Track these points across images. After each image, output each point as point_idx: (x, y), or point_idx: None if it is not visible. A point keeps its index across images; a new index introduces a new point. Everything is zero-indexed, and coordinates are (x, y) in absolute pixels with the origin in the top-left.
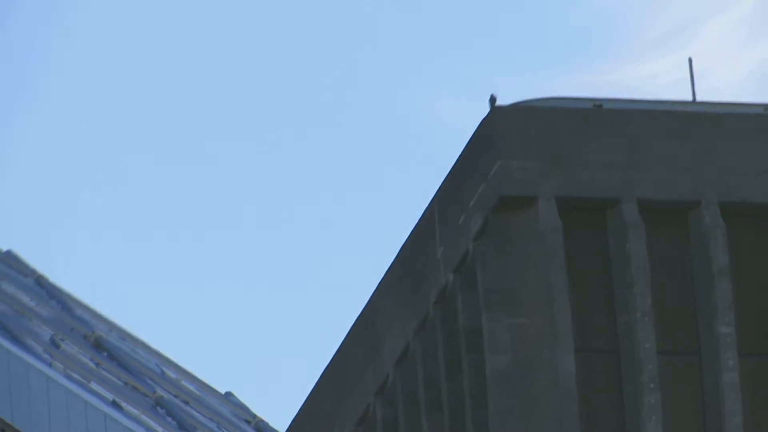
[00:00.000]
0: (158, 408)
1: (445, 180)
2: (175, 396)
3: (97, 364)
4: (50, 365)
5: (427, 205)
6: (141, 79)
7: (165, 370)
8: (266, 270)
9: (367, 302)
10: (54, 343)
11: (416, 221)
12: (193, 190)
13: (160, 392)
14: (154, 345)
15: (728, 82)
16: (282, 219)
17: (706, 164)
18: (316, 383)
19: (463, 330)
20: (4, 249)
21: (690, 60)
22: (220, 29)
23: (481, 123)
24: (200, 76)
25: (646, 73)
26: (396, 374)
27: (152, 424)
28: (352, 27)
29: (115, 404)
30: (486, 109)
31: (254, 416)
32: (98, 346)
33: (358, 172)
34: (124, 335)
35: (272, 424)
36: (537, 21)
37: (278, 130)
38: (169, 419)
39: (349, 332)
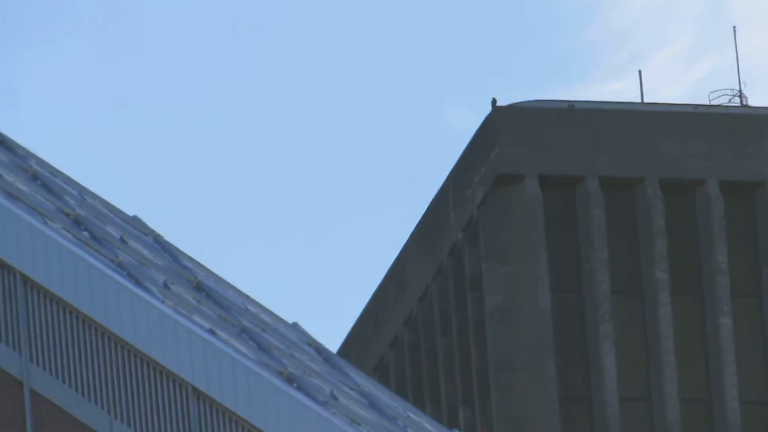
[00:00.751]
0: (243, 334)
1: (457, 162)
2: (255, 325)
3: (198, 302)
4: (163, 302)
5: (443, 181)
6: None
7: (247, 306)
8: (324, 228)
9: (399, 253)
10: (166, 286)
11: (435, 194)
12: (266, 146)
13: (244, 322)
14: (239, 286)
15: (672, 94)
16: (334, 194)
17: (649, 150)
18: (360, 315)
19: (468, 275)
20: (132, 214)
21: (640, 72)
22: (260, 33)
23: (485, 119)
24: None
25: (611, 90)
26: (418, 309)
27: (239, 346)
28: (387, 49)
29: (211, 332)
30: (488, 109)
31: (314, 340)
32: (198, 288)
33: (396, 156)
34: (218, 279)
35: (326, 345)
36: (532, 47)
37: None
38: (251, 342)
39: (384, 277)
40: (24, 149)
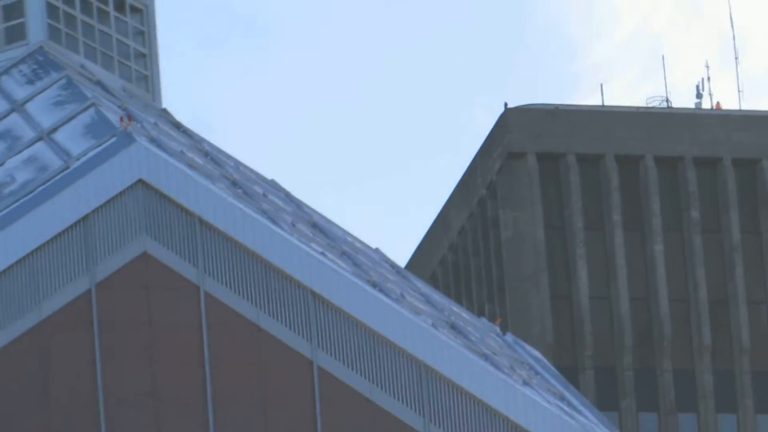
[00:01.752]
0: (343, 255)
1: (482, 144)
2: (351, 249)
3: (313, 234)
4: (291, 234)
5: (473, 156)
6: None
7: (345, 236)
8: (394, 187)
9: (444, 203)
10: (293, 225)
11: (468, 164)
12: (353, 119)
13: (344, 248)
14: (339, 223)
15: (624, 101)
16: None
17: (608, 136)
18: (419, 244)
19: (489, 218)
20: (270, 178)
21: (601, 85)
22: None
23: (500, 116)
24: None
25: (584, 97)
26: (457, 239)
27: (340, 263)
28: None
29: (323, 254)
30: (502, 109)
31: (389, 259)
32: (314, 225)
33: (447, 139)
34: (326, 220)
35: (398, 262)
36: (532, 70)
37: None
38: (349, 261)
39: (435, 218)
40: (197, 135)
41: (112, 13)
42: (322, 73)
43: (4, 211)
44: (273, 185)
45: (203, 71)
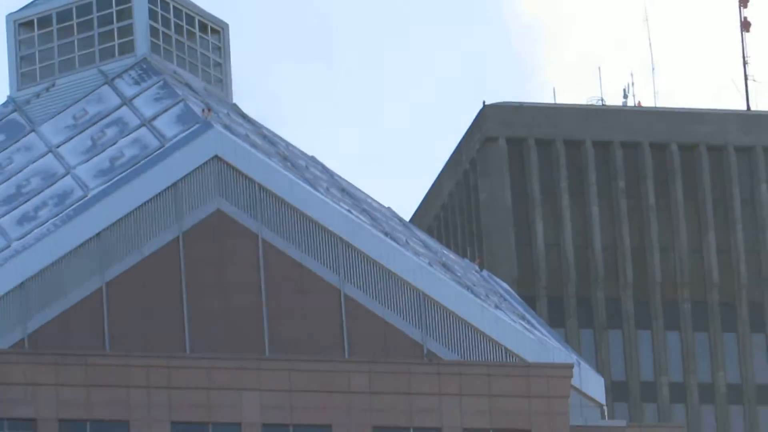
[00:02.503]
0: (365, 212)
1: (467, 130)
2: (371, 208)
3: (342, 196)
4: (325, 196)
5: (460, 139)
6: None
7: (366, 198)
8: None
9: (438, 174)
10: (327, 189)
11: (456, 144)
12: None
13: (364, 207)
14: (361, 188)
15: (576, 100)
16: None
17: (561, 125)
18: (419, 204)
19: (471, 185)
20: (310, 154)
21: (554, 88)
22: None
23: (479, 110)
24: None
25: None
26: (447, 200)
27: (362, 218)
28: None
29: (349, 211)
30: (480, 105)
31: (398, 216)
32: (342, 190)
33: (444, 126)
34: (351, 185)
35: (404, 217)
36: (509, 73)
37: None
38: (369, 217)
39: (431, 186)
40: (258, 122)
41: (198, 33)
42: (351, 76)
43: (116, 178)
44: (313, 160)
45: (263, 75)
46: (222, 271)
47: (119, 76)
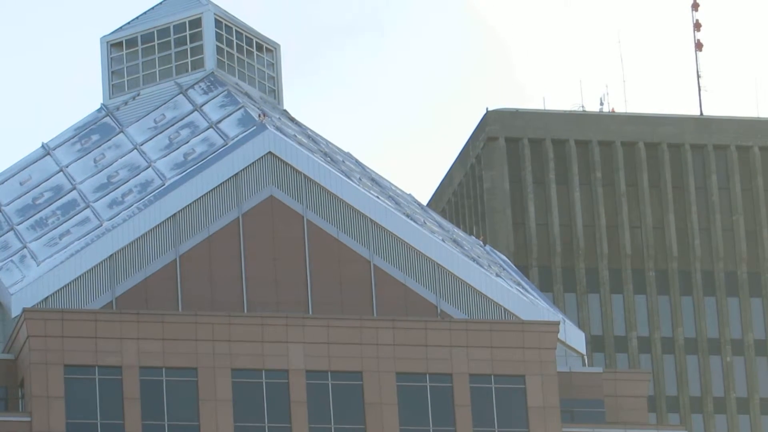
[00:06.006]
0: (390, 198)
1: (473, 131)
2: (394, 194)
3: (372, 185)
4: (358, 185)
5: (468, 138)
6: None
7: (391, 186)
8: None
9: (450, 166)
10: (359, 179)
11: (464, 143)
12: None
13: (390, 193)
14: (387, 178)
15: (561, 106)
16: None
17: (549, 127)
18: (435, 191)
19: (477, 176)
20: (346, 150)
21: (543, 97)
22: None
23: (483, 115)
24: None
25: (536, 107)
26: (457, 189)
27: (387, 201)
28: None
29: (377, 197)
30: (484, 111)
31: (416, 200)
32: (372, 180)
33: (452, 127)
34: (379, 176)
35: (422, 202)
36: (507, 83)
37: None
38: (392, 201)
39: (443, 177)
40: (304, 125)
41: (255, 51)
42: (383, 87)
43: (188, 170)
44: (348, 155)
45: (306, 84)
46: (273, 246)
47: (191, 87)
